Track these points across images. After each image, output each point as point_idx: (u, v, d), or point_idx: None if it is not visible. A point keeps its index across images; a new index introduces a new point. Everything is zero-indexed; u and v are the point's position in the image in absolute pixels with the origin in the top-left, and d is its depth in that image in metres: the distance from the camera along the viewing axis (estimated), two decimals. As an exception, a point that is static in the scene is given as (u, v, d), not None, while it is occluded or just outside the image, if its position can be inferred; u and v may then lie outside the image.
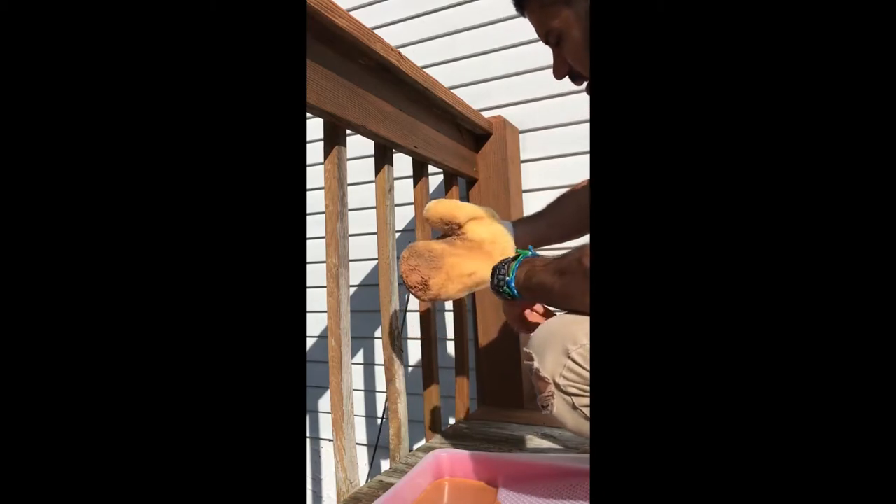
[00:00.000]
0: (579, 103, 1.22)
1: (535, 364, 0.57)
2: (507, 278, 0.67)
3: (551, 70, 0.68)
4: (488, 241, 0.75)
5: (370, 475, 1.50)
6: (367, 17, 1.39)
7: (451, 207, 0.76)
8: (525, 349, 0.60)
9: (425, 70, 0.94)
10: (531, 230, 0.85)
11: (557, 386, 0.55)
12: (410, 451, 0.94)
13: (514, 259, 0.68)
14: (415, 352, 1.41)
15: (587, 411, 0.54)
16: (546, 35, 0.64)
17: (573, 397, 0.54)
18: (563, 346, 0.55)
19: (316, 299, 1.58)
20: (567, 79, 0.68)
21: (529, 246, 0.79)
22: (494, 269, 0.69)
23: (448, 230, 0.78)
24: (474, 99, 1.27)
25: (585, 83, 0.67)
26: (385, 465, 1.49)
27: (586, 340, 0.53)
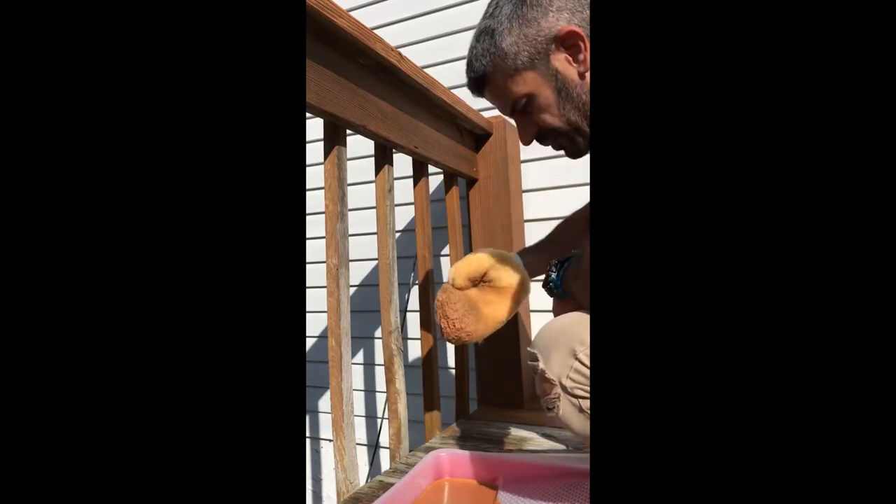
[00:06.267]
0: (579, 103, 1.22)
1: (541, 365, 0.56)
2: (553, 275, 0.70)
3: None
4: (518, 284, 0.75)
5: (370, 475, 1.50)
6: (367, 17, 1.39)
7: (475, 264, 0.76)
8: (529, 349, 0.60)
9: (425, 70, 0.94)
10: (537, 258, 0.85)
11: (564, 388, 0.54)
12: (410, 451, 0.94)
13: (568, 258, 0.71)
14: (415, 352, 1.41)
15: None
16: (514, 104, 0.67)
17: (580, 400, 0.53)
18: (569, 346, 0.54)
19: (316, 299, 1.58)
20: None
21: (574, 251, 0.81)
22: (550, 265, 0.72)
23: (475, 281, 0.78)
24: (474, 99, 1.27)
25: (551, 143, 0.71)
26: (385, 465, 1.49)
27: None
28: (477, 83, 0.70)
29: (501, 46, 0.63)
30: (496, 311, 0.75)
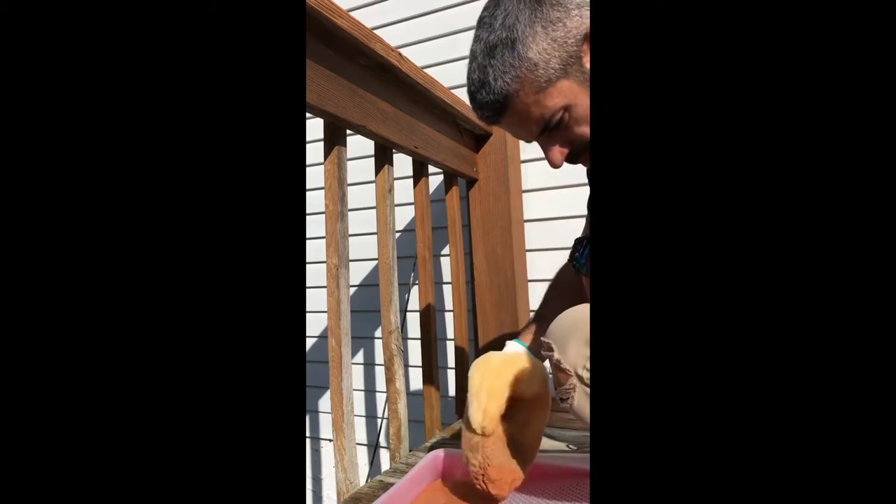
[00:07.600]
0: (579, 103, 1.22)
1: (556, 355, 0.55)
2: (577, 254, 0.67)
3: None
4: (543, 387, 0.66)
5: (370, 475, 1.50)
6: (367, 18, 1.39)
7: (498, 395, 0.63)
8: (543, 339, 0.57)
9: (425, 70, 0.94)
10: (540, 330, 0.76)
11: (580, 378, 0.53)
12: (410, 451, 0.94)
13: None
14: (415, 352, 1.41)
15: None
16: (548, 121, 0.58)
17: None
18: (586, 336, 0.52)
19: (316, 299, 1.57)
20: None
21: None
22: (575, 242, 0.69)
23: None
24: (474, 99, 1.27)
25: (583, 162, 0.63)
26: (385, 465, 1.49)
27: None
28: (497, 107, 0.58)
29: (529, 56, 0.54)
30: (535, 433, 0.66)
